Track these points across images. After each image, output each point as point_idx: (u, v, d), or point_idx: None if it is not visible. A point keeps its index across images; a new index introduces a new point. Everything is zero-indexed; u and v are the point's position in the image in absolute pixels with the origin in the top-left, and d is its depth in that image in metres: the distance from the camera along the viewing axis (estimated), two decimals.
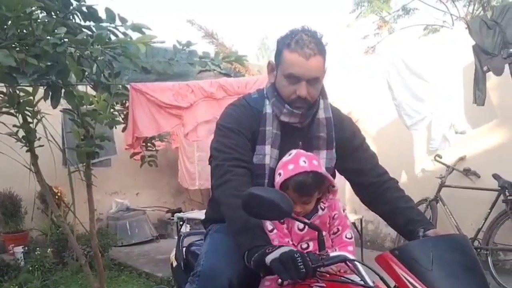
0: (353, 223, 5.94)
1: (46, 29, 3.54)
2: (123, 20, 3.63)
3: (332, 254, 1.71)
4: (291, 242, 1.91)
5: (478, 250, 5.18)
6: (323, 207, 1.96)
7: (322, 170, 1.90)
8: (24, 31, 3.64)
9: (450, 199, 5.56)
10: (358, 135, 2.25)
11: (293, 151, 1.94)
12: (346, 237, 2.03)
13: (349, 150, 2.17)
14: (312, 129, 2.09)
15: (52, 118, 4.95)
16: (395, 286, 1.55)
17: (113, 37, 3.69)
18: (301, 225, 1.87)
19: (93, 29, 3.77)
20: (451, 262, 1.55)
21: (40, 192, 6.82)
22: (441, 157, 5.53)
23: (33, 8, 3.57)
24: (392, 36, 14.06)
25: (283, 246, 1.71)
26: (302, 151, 1.95)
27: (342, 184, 2.33)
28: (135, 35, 3.71)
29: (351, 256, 1.71)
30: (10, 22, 3.46)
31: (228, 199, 1.86)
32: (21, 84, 4.10)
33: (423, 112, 4.51)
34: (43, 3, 3.56)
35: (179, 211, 7.77)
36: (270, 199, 1.61)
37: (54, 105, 3.89)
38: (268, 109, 2.03)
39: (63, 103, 4.23)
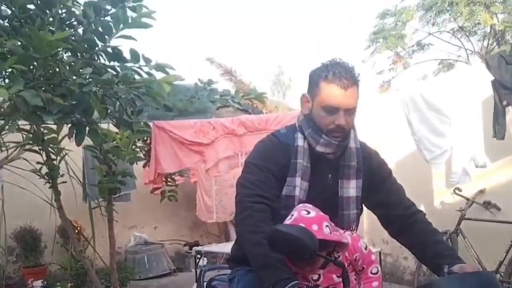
0: None
1: (73, 69, 3.65)
2: (147, 61, 3.73)
3: None
4: (321, 277, 1.90)
5: (500, 283, 5.10)
6: (337, 256, 1.90)
7: (324, 235, 1.81)
8: (51, 71, 3.75)
9: (471, 232, 5.51)
10: (385, 167, 2.28)
11: (313, 213, 1.86)
12: (371, 273, 2.03)
13: (377, 182, 2.20)
14: (343, 159, 2.11)
15: (73, 154, 5.03)
16: None
17: (137, 77, 3.77)
18: (315, 277, 1.87)
19: (118, 69, 3.87)
20: None
21: (60, 226, 6.87)
22: (460, 190, 5.50)
23: (60, 50, 3.68)
24: (407, 71, 14.15)
25: (304, 284, 1.73)
26: (322, 216, 1.88)
27: (360, 217, 2.30)
28: (158, 75, 3.80)
29: None
30: (37, 63, 3.57)
31: (248, 235, 1.89)
32: (45, 122, 4.19)
33: (443, 146, 4.51)
34: (70, 45, 3.68)
35: (197, 244, 7.77)
36: (295, 236, 1.62)
37: (79, 142, 3.96)
38: (300, 142, 2.06)
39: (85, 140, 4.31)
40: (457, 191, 5.53)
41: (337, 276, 1.90)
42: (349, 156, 2.11)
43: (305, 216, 1.83)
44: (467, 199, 5.55)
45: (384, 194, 2.20)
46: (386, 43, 14.14)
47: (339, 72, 1.98)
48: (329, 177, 2.10)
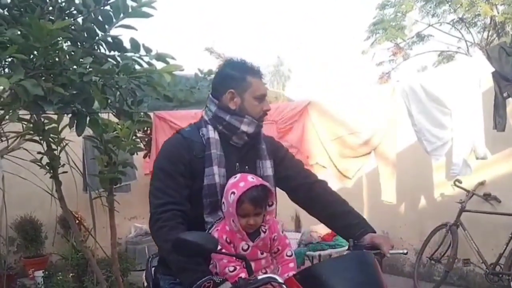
0: None
1: (73, 59, 3.64)
2: (148, 50, 3.72)
3: (259, 277, 1.89)
4: (238, 267, 2.10)
5: (500, 275, 5.13)
6: (264, 230, 2.17)
7: (267, 184, 2.17)
8: (51, 61, 3.74)
9: (471, 224, 5.53)
10: (282, 147, 2.57)
11: (238, 175, 2.18)
12: (286, 255, 2.25)
13: (279, 159, 2.45)
14: (258, 142, 2.37)
15: (73, 145, 5.02)
16: None
17: (137, 67, 3.77)
18: (245, 247, 2.13)
19: (118, 58, 3.86)
20: (350, 281, 1.78)
21: (60, 216, 6.89)
22: (461, 182, 5.51)
23: (60, 39, 3.67)
24: (407, 62, 14.12)
25: (215, 276, 1.94)
26: (245, 173, 2.20)
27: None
28: (158, 64, 3.79)
29: (278, 278, 1.88)
30: (38, 52, 3.56)
31: (162, 244, 2.11)
32: (46, 112, 4.19)
33: (444, 138, 4.51)
34: (70, 34, 3.66)
35: None
36: (194, 241, 1.84)
37: (79, 132, 3.96)
38: (211, 134, 2.27)
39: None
40: (457, 183, 5.54)
41: (261, 253, 2.17)
42: (260, 140, 2.38)
43: (248, 174, 2.19)
44: (467, 191, 5.56)
45: (284, 169, 2.44)
46: (386, 34, 14.10)
47: (257, 67, 2.33)
48: (237, 165, 2.29)
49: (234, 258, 2.07)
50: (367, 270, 1.85)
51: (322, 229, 5.71)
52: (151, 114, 4.86)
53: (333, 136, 5.18)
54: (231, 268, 2.08)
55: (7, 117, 4.23)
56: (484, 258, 5.31)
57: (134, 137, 4.64)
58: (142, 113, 4.63)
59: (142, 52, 3.79)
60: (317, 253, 5.38)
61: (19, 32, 3.49)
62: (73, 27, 3.78)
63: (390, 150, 4.91)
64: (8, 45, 3.43)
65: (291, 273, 2.12)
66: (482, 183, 5.61)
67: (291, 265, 2.22)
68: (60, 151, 4.65)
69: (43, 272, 6.40)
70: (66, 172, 4.75)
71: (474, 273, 5.77)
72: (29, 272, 6.79)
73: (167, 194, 2.15)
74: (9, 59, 3.71)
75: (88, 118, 4.01)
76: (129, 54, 3.84)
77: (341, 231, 2.37)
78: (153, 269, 2.54)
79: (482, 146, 4.41)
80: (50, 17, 3.72)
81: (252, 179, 2.12)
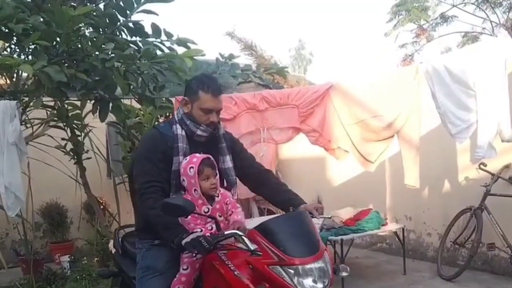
0: (395, 232, 5.87)
1: (95, 45, 3.66)
2: (169, 35, 3.73)
3: (226, 232, 2.44)
4: (201, 224, 2.65)
5: None
6: (217, 195, 2.71)
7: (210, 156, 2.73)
8: (73, 47, 3.77)
9: (496, 207, 5.44)
10: (239, 143, 3.15)
11: (187, 157, 2.71)
12: (238, 216, 2.76)
13: (236, 153, 3.00)
14: (216, 141, 2.88)
15: (96, 131, 5.08)
16: (256, 248, 2.34)
17: (158, 52, 3.77)
18: (206, 209, 2.65)
19: (139, 44, 3.87)
20: (293, 230, 2.41)
21: (85, 202, 6.98)
22: (485, 165, 5.42)
23: (82, 25, 3.69)
24: (430, 44, 13.88)
25: (194, 232, 2.48)
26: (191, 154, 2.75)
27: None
28: (179, 50, 3.79)
29: (239, 232, 2.42)
30: (60, 39, 3.59)
31: (149, 211, 2.63)
32: (69, 98, 4.23)
33: (468, 120, 4.42)
34: (92, 20, 3.69)
35: None
36: (177, 204, 2.41)
37: (102, 118, 4.00)
38: (179, 131, 2.79)
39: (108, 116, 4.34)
40: (482, 166, 5.45)
41: (219, 216, 2.67)
42: (220, 139, 2.90)
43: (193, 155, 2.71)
44: (492, 174, 5.47)
45: (240, 160, 3.00)
46: (409, 15, 13.88)
47: (212, 85, 2.77)
48: (201, 153, 2.75)
49: (199, 221, 2.63)
50: (306, 223, 2.50)
51: (344, 214, 5.67)
52: (173, 99, 4.86)
53: (355, 120, 5.12)
54: (198, 230, 2.59)
55: (31, 104, 4.30)
56: (509, 242, 5.23)
57: (156, 123, 4.66)
58: (164, 99, 4.64)
59: (163, 37, 3.80)
60: (339, 237, 5.33)
61: (41, 19, 3.53)
62: (94, 13, 3.80)
63: (414, 133, 4.84)
64: (31, 32, 3.47)
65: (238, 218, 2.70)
66: (507, 166, 5.51)
67: (240, 217, 2.74)
68: (84, 137, 4.71)
69: (69, 257, 6.50)
70: (90, 158, 4.81)
71: (498, 257, 5.69)
72: (55, 257, 6.90)
73: (150, 174, 2.68)
74: (32, 46, 3.75)
75: (110, 104, 4.04)
76: (150, 39, 3.85)
77: (283, 205, 2.91)
78: (119, 238, 3.27)
79: (507, 128, 4.33)
80: (72, 4, 3.75)
81: (199, 155, 2.68)
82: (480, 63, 4.33)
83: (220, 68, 4.43)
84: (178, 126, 2.83)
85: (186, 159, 2.72)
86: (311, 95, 5.20)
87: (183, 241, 2.43)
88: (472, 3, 13.33)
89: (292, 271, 2.30)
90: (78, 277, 5.78)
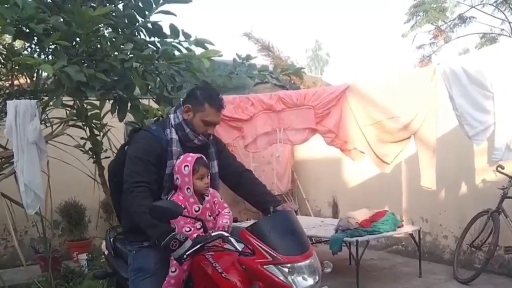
0: (411, 234, 5.85)
1: (114, 45, 3.71)
2: (187, 36, 3.75)
3: (213, 233, 2.55)
4: (190, 223, 2.74)
5: None
6: (207, 194, 2.85)
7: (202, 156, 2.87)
8: (93, 47, 3.82)
9: None
10: (222, 143, 3.28)
11: (181, 156, 2.84)
12: (225, 212, 2.92)
13: (219, 152, 3.12)
14: (206, 147, 2.99)
15: (115, 131, 5.13)
16: (245, 246, 2.47)
17: (176, 52, 3.81)
18: (197, 208, 2.77)
19: (158, 44, 3.91)
20: (283, 230, 2.53)
21: (103, 201, 7.06)
22: (503, 168, 5.38)
23: (101, 26, 3.74)
24: (448, 45, 13.77)
25: (185, 238, 2.54)
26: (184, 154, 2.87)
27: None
28: (197, 50, 3.82)
29: (225, 234, 2.55)
30: (80, 39, 3.64)
31: (136, 209, 2.70)
32: (88, 98, 4.28)
33: (486, 122, 4.41)
34: (111, 20, 3.73)
35: (235, 221, 7.79)
36: (165, 207, 2.52)
37: (121, 118, 4.04)
38: (174, 135, 2.89)
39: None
40: (499, 169, 5.41)
41: (209, 215, 2.83)
42: (210, 145, 3.02)
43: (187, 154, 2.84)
44: (510, 177, 5.43)
45: (222, 160, 3.11)
46: (426, 16, 13.81)
47: (218, 100, 2.91)
48: None
49: (189, 220, 2.71)
50: (295, 221, 2.64)
51: (359, 215, 5.66)
52: None
53: (371, 121, 5.13)
54: (187, 229, 2.71)
55: (51, 103, 4.36)
56: None
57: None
58: (181, 99, 4.67)
59: (181, 38, 3.83)
60: (354, 239, 5.33)
61: (61, 19, 3.58)
62: (114, 14, 3.85)
63: (430, 135, 4.84)
64: (51, 32, 3.52)
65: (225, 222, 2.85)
66: None
67: (227, 215, 2.90)
68: (103, 136, 4.76)
69: (86, 255, 6.58)
70: (109, 157, 4.84)
71: None
72: (73, 255, 7.00)
73: (140, 175, 2.76)
74: (52, 46, 3.81)
75: (129, 104, 4.08)
76: (168, 40, 3.88)
77: (262, 206, 3.00)
78: (111, 240, 3.29)
79: None
80: (92, 4, 3.80)
81: (193, 154, 2.82)
82: (498, 64, 4.32)
83: (237, 68, 4.45)
84: (172, 130, 2.91)
85: (180, 158, 2.83)
86: (328, 96, 5.22)
87: (162, 243, 2.52)
88: (490, 4, 13.22)
89: (286, 270, 2.40)
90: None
